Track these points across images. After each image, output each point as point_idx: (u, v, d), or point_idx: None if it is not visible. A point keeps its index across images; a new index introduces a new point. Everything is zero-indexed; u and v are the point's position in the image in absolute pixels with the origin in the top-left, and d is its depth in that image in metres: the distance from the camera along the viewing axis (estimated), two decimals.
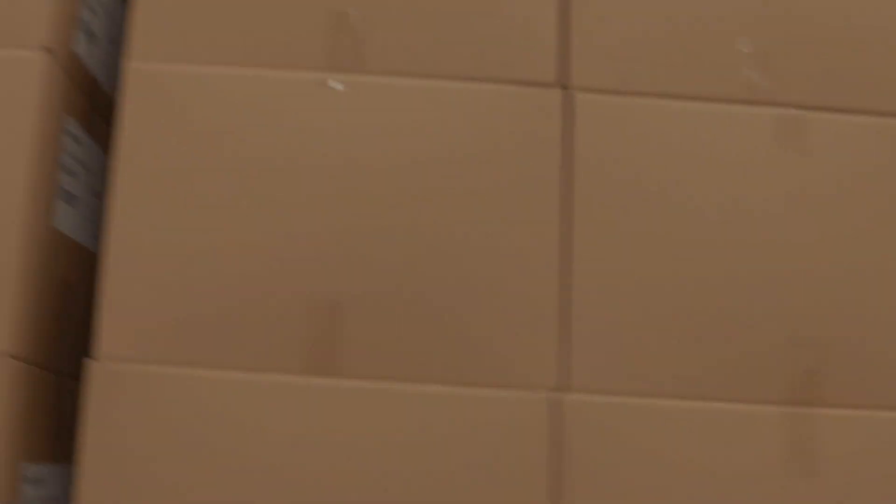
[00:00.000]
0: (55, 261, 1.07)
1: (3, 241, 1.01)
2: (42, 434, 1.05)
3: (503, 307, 1.00)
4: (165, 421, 0.98)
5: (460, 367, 0.99)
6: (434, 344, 1.00)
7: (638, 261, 1.01)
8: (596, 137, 1.03)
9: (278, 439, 0.98)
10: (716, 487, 0.97)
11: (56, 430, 1.09)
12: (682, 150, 1.03)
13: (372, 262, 1.01)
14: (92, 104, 1.15)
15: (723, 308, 1.00)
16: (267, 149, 1.03)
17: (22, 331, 1.01)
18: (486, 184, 1.02)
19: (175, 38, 1.05)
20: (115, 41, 1.21)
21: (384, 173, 1.02)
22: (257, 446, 0.98)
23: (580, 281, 1.01)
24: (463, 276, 1.01)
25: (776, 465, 0.97)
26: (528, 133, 1.03)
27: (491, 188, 1.02)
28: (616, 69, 1.05)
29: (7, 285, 1.00)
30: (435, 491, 0.97)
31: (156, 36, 1.06)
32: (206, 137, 1.03)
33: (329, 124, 1.04)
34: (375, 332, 1.00)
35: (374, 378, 0.99)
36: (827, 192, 1.03)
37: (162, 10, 1.06)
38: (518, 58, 1.04)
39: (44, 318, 1.05)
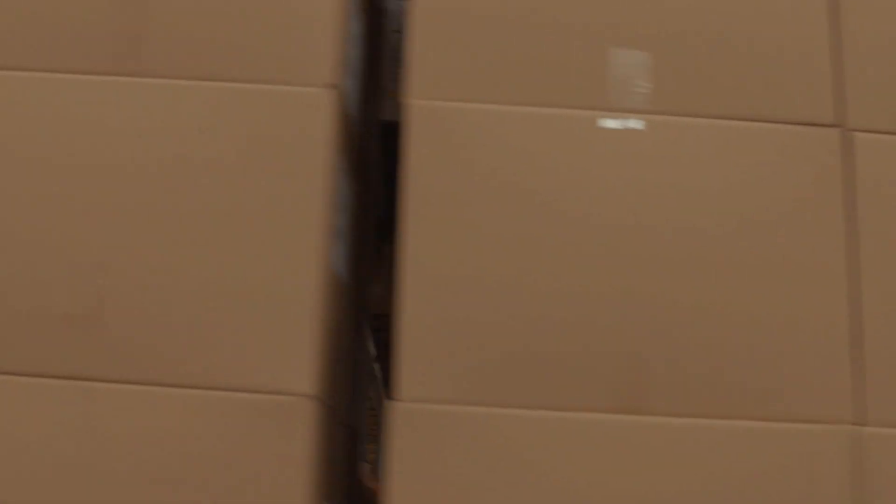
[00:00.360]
0: (332, 300, 1.06)
1: (303, 283, 1.00)
2: (326, 473, 1.05)
3: (796, 343, 1.02)
4: (470, 460, 0.98)
5: (757, 403, 1.01)
6: (733, 381, 1.01)
7: None
8: (876, 175, 1.06)
9: (587, 477, 0.98)
10: None
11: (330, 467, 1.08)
12: None
13: (670, 300, 1.01)
14: (348, 139, 1.15)
15: None
16: (549, 187, 1.03)
17: (319, 373, 1.00)
18: (771, 221, 1.03)
19: (451, 76, 1.06)
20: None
21: (663, 208, 1.03)
22: (565, 484, 0.98)
23: (870, 315, 1.03)
24: (754, 313, 1.02)
25: None
26: (810, 172, 1.05)
27: (776, 225, 1.03)
28: (888, 109, 1.08)
29: (307, 327, 1.00)
30: None
31: (433, 73, 1.06)
32: (488, 175, 1.03)
33: (602, 164, 1.04)
34: (679, 369, 1.01)
35: (678, 415, 1.01)
36: None
37: (438, 49, 1.07)
38: (795, 98, 1.06)
39: (327, 358, 1.05)
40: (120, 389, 0.98)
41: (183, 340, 0.99)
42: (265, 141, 1.03)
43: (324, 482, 1.04)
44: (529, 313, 1.01)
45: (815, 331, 1.02)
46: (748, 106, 1.06)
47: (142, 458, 0.97)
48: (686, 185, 1.04)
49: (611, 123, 1.05)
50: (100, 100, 1.03)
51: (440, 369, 1.00)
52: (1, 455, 0.97)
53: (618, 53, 1.07)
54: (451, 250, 1.02)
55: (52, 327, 1.00)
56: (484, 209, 1.03)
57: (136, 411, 0.98)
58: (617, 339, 1.01)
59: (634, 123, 1.05)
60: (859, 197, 1.05)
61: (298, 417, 0.98)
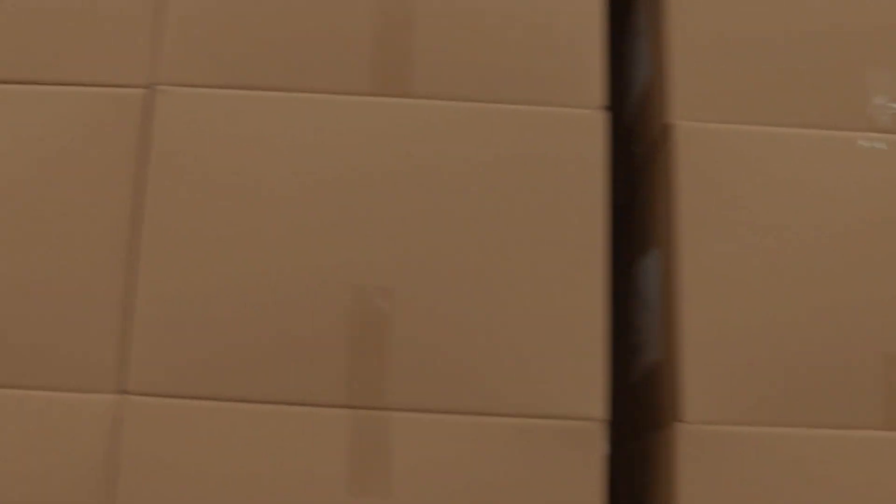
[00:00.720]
0: None
1: (589, 307, 1.00)
2: None
3: None
4: (758, 481, 0.98)
5: None
6: None
7: None
8: None
9: (870, 495, 1.00)
10: None
11: None
12: None
13: None
14: None
15: None
16: (813, 206, 1.03)
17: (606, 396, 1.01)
18: None
19: (714, 97, 1.06)
20: None
21: None
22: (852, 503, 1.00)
23: None
24: None
25: None
26: None
27: None
28: None
29: (595, 351, 0.99)
30: None
31: (696, 95, 1.06)
32: (753, 195, 1.03)
33: (864, 183, 1.05)
34: None
35: None
36: None
37: (699, 70, 1.06)
38: None
39: None
40: (416, 418, 0.98)
41: (475, 367, 0.99)
42: (541, 163, 1.02)
43: None
44: (808, 332, 1.02)
45: None
46: None
47: (439, 486, 0.96)
48: None
49: (871, 143, 1.07)
50: (371, 120, 1.02)
51: (725, 390, 1.01)
52: (290, 488, 0.97)
53: (876, 73, 1.08)
54: (725, 270, 1.02)
55: (337, 354, 0.99)
56: (753, 228, 1.03)
57: (432, 440, 0.98)
58: (888, 354, 1.03)
59: (886, 143, 1.07)
60: None
61: (592, 442, 0.98)
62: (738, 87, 1.07)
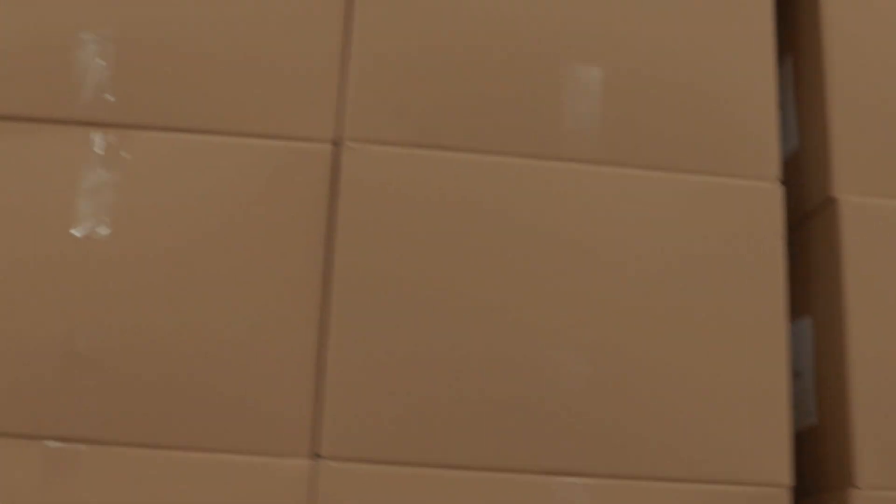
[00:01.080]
0: None
1: (773, 375, 1.02)
2: None
3: None
4: None
5: None
6: None
7: None
8: None
9: None
10: None
11: None
12: None
13: None
14: None
15: None
16: None
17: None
18: None
19: (875, 169, 1.09)
20: None
21: None
22: None
23: None
24: None
25: None
26: None
27: None
28: None
29: (780, 418, 1.01)
30: None
31: (857, 167, 1.09)
32: None
33: None
34: None
35: None
36: None
37: (859, 142, 1.10)
38: None
39: None
40: (606, 484, 0.98)
41: (663, 434, 1.00)
42: (720, 233, 1.04)
43: None
44: None
45: None
46: None
47: None
48: None
49: None
50: (555, 185, 1.03)
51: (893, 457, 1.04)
52: None
53: None
54: (893, 341, 1.06)
55: (528, 420, 0.98)
56: None
57: None
58: None
59: None
60: None
61: None
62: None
